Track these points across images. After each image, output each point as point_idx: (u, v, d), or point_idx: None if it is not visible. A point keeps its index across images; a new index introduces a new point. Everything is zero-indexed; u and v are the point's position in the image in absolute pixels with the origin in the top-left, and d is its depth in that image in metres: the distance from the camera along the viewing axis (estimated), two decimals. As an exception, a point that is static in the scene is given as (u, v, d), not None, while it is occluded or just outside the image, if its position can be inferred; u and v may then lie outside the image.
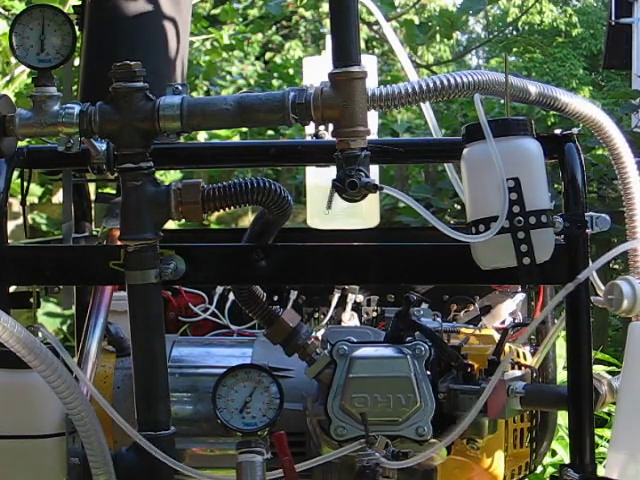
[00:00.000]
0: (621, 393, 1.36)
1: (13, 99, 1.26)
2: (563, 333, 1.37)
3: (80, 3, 1.64)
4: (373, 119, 1.82)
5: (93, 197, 1.96)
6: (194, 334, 1.74)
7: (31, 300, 1.45)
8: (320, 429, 1.35)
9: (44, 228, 4.85)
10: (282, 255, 1.29)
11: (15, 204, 3.42)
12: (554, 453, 2.93)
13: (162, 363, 1.24)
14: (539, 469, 2.56)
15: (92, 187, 2.10)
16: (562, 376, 1.65)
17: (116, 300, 1.58)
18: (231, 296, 1.72)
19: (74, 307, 1.64)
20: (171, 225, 2.75)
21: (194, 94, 5.95)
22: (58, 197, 4.85)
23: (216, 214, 4.85)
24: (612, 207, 3.57)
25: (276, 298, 1.72)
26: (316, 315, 1.75)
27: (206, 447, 1.47)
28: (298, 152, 1.60)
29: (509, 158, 1.22)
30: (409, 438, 1.32)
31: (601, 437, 2.87)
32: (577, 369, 1.32)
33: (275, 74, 7.58)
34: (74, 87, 1.66)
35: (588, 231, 1.34)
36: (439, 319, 1.53)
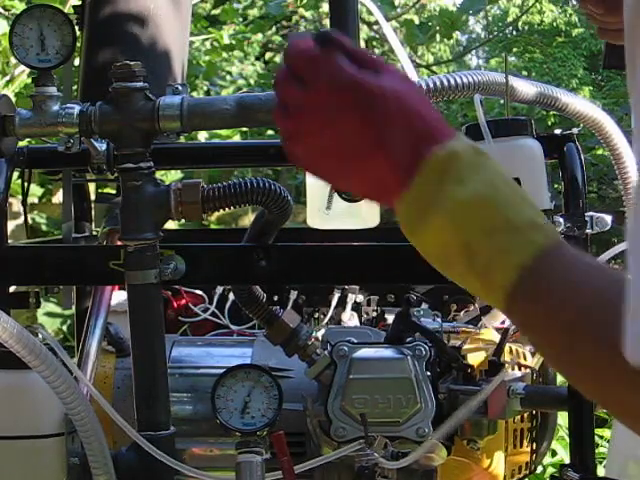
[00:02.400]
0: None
1: (13, 99, 1.26)
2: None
3: (80, 3, 1.64)
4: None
5: (93, 197, 1.96)
6: (194, 334, 1.74)
7: (31, 300, 1.45)
8: (320, 430, 1.35)
9: (44, 228, 4.85)
10: (282, 255, 1.29)
11: (15, 204, 3.43)
12: (554, 453, 2.93)
13: (162, 363, 1.24)
14: (539, 469, 2.56)
15: (92, 187, 2.10)
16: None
17: (116, 300, 1.58)
18: (231, 296, 1.72)
19: (74, 307, 1.64)
20: (171, 225, 2.74)
21: (194, 94, 5.95)
22: (58, 197, 4.85)
23: (216, 214, 4.85)
24: (612, 207, 3.57)
25: (276, 298, 1.71)
26: (316, 315, 1.75)
27: (206, 447, 1.47)
28: (298, 152, 1.60)
29: (509, 158, 1.22)
30: (410, 439, 1.32)
31: (601, 437, 2.87)
32: (577, 369, 1.31)
33: (275, 74, 7.56)
34: (74, 87, 1.66)
35: (588, 231, 1.34)
36: (439, 319, 1.52)
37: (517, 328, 0.76)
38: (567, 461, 1.36)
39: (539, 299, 0.71)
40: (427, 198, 0.78)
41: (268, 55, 9.70)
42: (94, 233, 1.73)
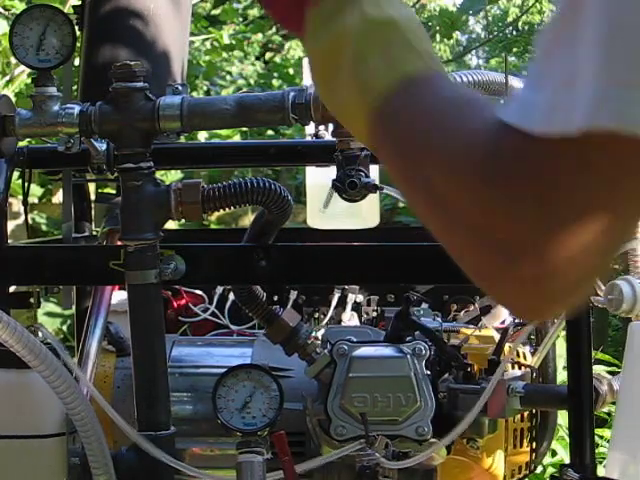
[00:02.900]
0: (621, 393, 1.36)
1: (13, 99, 1.26)
2: (563, 333, 1.37)
3: (80, 3, 1.64)
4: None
5: (93, 197, 1.96)
6: (194, 334, 1.74)
7: (31, 300, 1.45)
8: (320, 429, 1.35)
9: (44, 228, 4.85)
10: (282, 255, 1.29)
11: (15, 204, 3.43)
12: (554, 453, 2.92)
13: (162, 363, 1.24)
14: (539, 469, 2.55)
15: (92, 187, 2.10)
16: (562, 376, 1.65)
17: (116, 300, 1.58)
18: (231, 296, 1.72)
19: (74, 307, 1.64)
20: (171, 225, 2.75)
21: (194, 94, 5.95)
22: (58, 197, 4.85)
23: (216, 214, 4.85)
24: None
25: (276, 298, 1.72)
26: (316, 315, 1.75)
27: (206, 447, 1.47)
28: (298, 152, 1.60)
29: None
30: (409, 438, 1.32)
31: (601, 437, 2.86)
32: (577, 369, 1.32)
33: (275, 74, 7.58)
34: (74, 87, 1.66)
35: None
36: (439, 319, 1.53)
37: (377, 152, 0.73)
38: (567, 461, 1.36)
39: (408, 110, 0.70)
40: (339, 9, 0.77)
41: (268, 55, 9.69)
42: (94, 233, 1.73)
